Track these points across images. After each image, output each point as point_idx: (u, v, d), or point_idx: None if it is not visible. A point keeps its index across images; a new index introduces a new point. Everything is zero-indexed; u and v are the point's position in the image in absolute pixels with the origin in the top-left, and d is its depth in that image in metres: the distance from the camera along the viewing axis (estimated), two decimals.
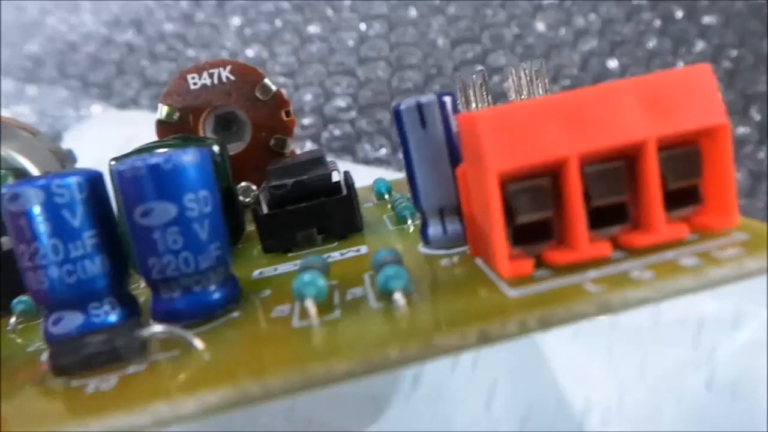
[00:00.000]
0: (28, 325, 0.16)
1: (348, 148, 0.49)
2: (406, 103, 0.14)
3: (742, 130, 0.46)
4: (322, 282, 0.12)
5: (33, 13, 0.56)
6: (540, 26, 0.53)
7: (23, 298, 0.16)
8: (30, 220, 0.12)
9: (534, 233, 0.12)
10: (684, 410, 0.25)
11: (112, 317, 0.13)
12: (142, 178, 0.12)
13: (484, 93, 0.18)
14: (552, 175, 0.12)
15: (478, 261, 0.13)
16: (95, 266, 0.13)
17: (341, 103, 0.51)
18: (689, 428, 0.24)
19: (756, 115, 0.46)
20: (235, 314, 0.13)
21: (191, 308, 0.13)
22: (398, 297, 0.11)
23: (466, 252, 0.14)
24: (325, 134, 0.49)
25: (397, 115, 0.14)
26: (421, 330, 0.10)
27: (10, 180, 0.21)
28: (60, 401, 0.11)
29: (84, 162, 0.27)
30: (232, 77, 0.22)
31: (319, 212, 0.17)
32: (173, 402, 0.10)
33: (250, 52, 0.52)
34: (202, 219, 0.13)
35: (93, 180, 0.13)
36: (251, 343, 0.12)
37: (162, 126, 0.22)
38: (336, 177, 0.17)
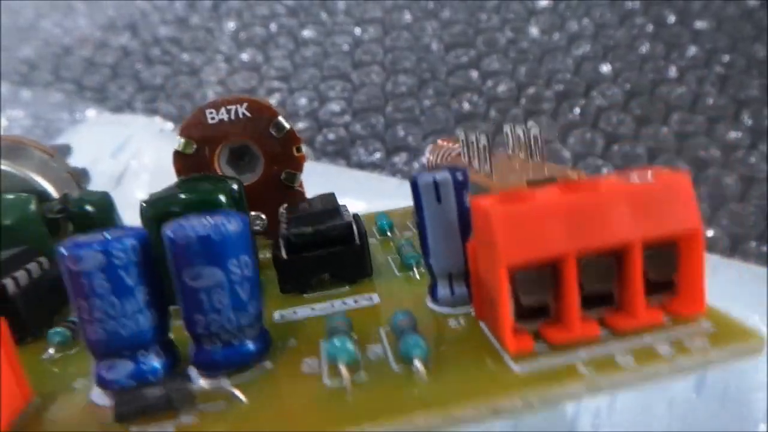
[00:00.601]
0: (64, 354, 0.17)
1: (342, 152, 0.50)
2: (423, 179, 0.16)
3: (733, 134, 0.47)
4: (351, 347, 0.14)
5: (28, 17, 0.56)
6: (534, 31, 0.55)
7: (59, 329, 0.18)
8: (89, 279, 0.14)
9: (534, 311, 0.14)
10: (674, 413, 0.27)
11: (157, 363, 0.15)
12: (192, 246, 0.14)
13: (486, 155, 0.20)
14: (552, 264, 0.14)
15: (482, 325, 0.15)
16: (146, 319, 0.14)
17: (335, 107, 0.52)
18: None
19: (748, 120, 0.48)
20: (268, 364, 0.15)
21: (230, 360, 0.15)
22: (418, 365, 0.13)
23: (470, 313, 0.16)
24: (319, 138, 0.51)
25: (414, 187, 0.16)
26: (440, 400, 0.12)
27: (33, 204, 0.22)
28: None
29: (78, 163, 0.28)
30: (248, 114, 0.23)
31: (334, 259, 0.19)
32: None
33: (245, 56, 0.53)
34: (243, 281, 0.14)
35: (143, 241, 0.15)
36: (289, 399, 0.13)
37: (179, 156, 0.24)
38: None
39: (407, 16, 0.60)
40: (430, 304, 0.17)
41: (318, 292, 0.19)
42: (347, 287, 0.19)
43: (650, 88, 0.49)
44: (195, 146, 0.24)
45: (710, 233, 0.41)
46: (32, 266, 0.20)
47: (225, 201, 0.19)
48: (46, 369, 0.17)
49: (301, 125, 0.50)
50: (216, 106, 0.23)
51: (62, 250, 0.14)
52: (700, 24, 0.54)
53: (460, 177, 0.16)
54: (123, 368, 0.14)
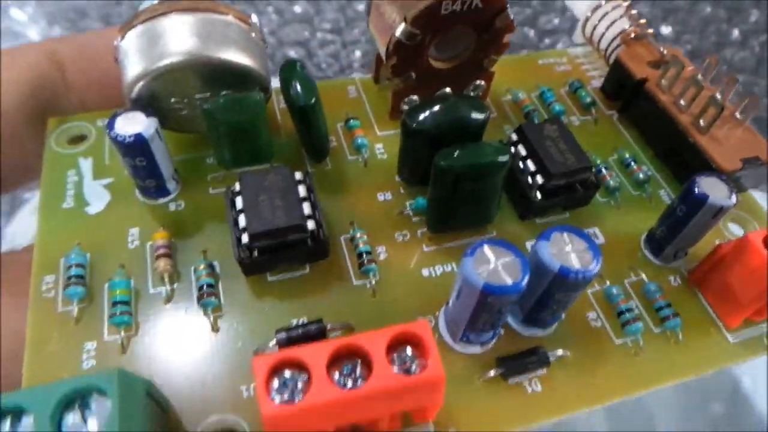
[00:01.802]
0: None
1: None
2: (712, 203, 0.20)
3: None
4: None
5: None
6: None
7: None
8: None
9: None
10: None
11: None
12: (572, 284, 0.17)
13: None
14: None
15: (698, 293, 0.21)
16: None
17: None
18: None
19: None
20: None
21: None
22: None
23: (683, 273, 0.21)
24: None
25: (697, 202, 0.20)
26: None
27: (262, 104, 0.20)
28: None
29: None
30: (480, 4, 0.22)
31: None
32: None
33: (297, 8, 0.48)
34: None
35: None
36: None
37: (399, 46, 0.23)
38: None
39: None
40: (649, 255, 0.22)
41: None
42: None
43: (712, 50, 0.50)
44: (419, 36, 0.23)
45: None
46: (301, 188, 0.20)
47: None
48: None
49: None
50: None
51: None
52: None
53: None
54: None
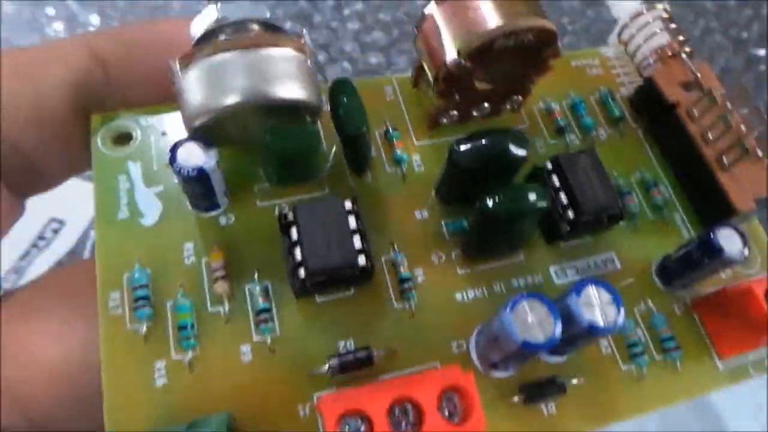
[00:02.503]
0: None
1: None
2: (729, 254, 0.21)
3: None
4: None
5: None
6: None
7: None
8: None
9: None
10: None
11: None
12: (583, 336, 0.19)
13: None
14: None
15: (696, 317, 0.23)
16: None
17: None
18: None
19: None
20: None
21: None
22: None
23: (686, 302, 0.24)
24: None
25: (715, 251, 0.22)
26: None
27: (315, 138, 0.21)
28: None
29: None
30: (532, 39, 0.23)
31: None
32: None
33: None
34: None
35: None
36: None
37: (450, 75, 0.23)
38: None
39: None
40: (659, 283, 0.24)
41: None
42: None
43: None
44: (470, 68, 0.23)
45: None
46: (351, 219, 0.21)
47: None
48: None
49: None
50: (507, 35, 0.23)
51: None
52: None
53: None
54: None
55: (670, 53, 0.27)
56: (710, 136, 0.25)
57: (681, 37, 0.27)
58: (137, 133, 0.24)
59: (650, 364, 0.23)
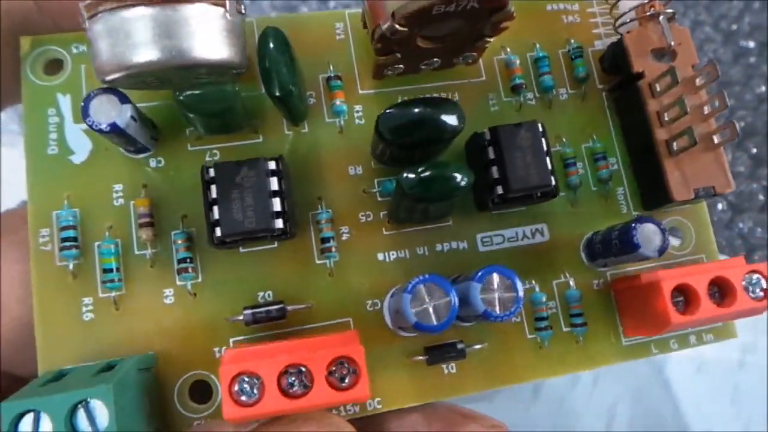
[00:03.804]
0: None
1: None
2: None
3: None
4: None
5: None
6: None
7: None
8: None
9: None
10: None
11: None
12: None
13: None
14: None
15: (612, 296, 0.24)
16: None
17: None
18: None
19: None
20: None
21: None
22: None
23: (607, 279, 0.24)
24: None
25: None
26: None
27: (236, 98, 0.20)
28: None
29: None
30: (476, 5, 0.21)
31: None
32: None
33: None
34: None
35: None
36: None
37: (384, 39, 0.21)
38: None
39: None
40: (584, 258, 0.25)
41: None
42: None
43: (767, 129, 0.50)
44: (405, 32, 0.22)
45: None
46: (273, 181, 0.21)
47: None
48: None
49: None
50: (446, 1, 0.21)
51: None
52: None
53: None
54: None
55: (650, 12, 0.25)
56: (666, 117, 0.24)
57: None
58: (68, 61, 0.23)
59: (555, 336, 0.24)
